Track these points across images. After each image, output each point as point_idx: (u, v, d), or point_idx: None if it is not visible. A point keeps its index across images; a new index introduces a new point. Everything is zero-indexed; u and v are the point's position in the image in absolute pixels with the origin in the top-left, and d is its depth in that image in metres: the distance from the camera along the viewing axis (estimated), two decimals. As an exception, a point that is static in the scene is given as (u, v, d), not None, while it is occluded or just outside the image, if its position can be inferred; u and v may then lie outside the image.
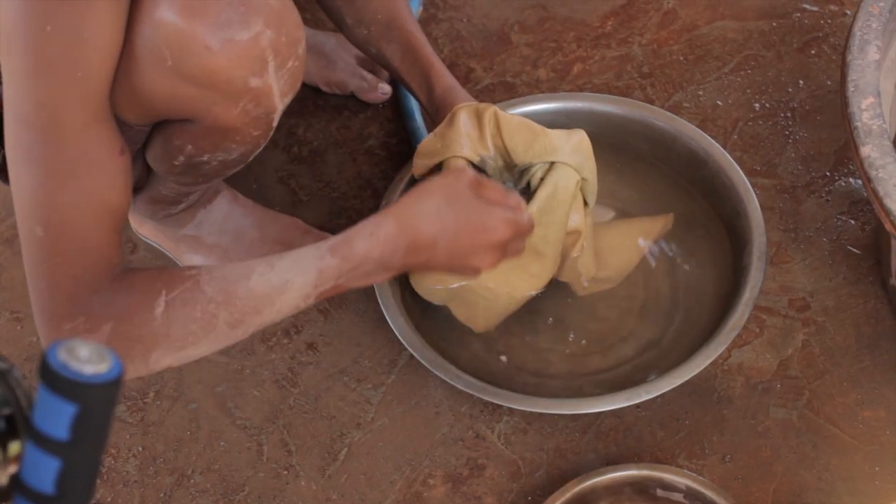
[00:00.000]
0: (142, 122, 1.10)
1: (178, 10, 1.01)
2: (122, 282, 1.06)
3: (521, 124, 1.29)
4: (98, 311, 1.04)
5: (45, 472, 0.58)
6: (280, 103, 1.11)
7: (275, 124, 1.14)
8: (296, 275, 1.07)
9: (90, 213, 1.03)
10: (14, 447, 0.61)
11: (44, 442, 0.58)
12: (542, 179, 1.27)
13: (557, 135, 1.28)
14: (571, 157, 1.28)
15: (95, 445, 0.60)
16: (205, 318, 1.06)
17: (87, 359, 0.56)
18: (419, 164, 1.32)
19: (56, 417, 0.57)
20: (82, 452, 0.58)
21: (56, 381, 0.56)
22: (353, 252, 1.09)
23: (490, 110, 1.28)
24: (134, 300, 1.05)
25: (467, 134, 1.28)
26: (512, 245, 1.20)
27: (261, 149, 1.19)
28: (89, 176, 1.02)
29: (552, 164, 1.27)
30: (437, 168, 1.30)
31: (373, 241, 1.10)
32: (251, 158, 1.20)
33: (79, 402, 0.56)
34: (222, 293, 1.06)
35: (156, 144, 1.16)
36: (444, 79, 1.33)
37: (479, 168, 1.29)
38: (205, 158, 1.15)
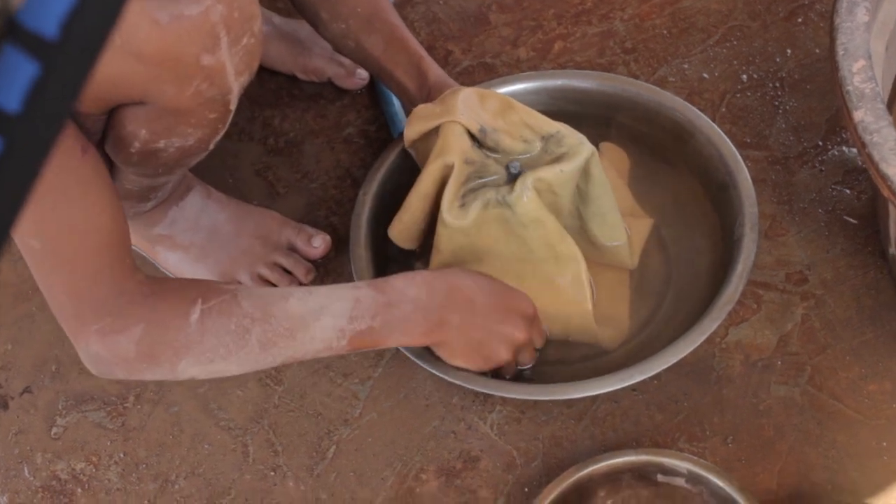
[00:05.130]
0: (96, 109, 1.07)
1: None
2: (152, 286, 1.08)
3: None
4: (127, 313, 1.05)
5: (15, 81, 0.45)
6: (235, 83, 1.07)
7: (232, 107, 1.10)
8: (333, 301, 1.10)
9: (81, 218, 1.04)
10: None
11: (26, 40, 0.45)
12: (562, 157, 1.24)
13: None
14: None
15: (88, 53, 0.47)
16: (238, 332, 1.07)
17: None
18: (413, 129, 1.26)
19: (48, 8, 0.45)
20: (69, 59, 0.46)
21: None
22: (389, 285, 1.13)
23: (498, 94, 1.28)
24: (169, 305, 1.06)
25: (469, 105, 1.24)
26: (524, 352, 1.24)
27: (220, 135, 1.14)
28: (61, 182, 1.02)
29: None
30: (434, 133, 1.24)
31: (408, 280, 1.14)
32: (212, 146, 1.16)
33: None
34: (259, 310, 1.08)
35: (111, 133, 1.12)
36: (436, 68, 1.32)
37: (476, 139, 1.24)
38: (161, 145, 1.11)
